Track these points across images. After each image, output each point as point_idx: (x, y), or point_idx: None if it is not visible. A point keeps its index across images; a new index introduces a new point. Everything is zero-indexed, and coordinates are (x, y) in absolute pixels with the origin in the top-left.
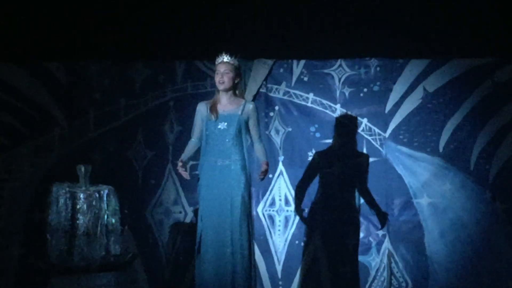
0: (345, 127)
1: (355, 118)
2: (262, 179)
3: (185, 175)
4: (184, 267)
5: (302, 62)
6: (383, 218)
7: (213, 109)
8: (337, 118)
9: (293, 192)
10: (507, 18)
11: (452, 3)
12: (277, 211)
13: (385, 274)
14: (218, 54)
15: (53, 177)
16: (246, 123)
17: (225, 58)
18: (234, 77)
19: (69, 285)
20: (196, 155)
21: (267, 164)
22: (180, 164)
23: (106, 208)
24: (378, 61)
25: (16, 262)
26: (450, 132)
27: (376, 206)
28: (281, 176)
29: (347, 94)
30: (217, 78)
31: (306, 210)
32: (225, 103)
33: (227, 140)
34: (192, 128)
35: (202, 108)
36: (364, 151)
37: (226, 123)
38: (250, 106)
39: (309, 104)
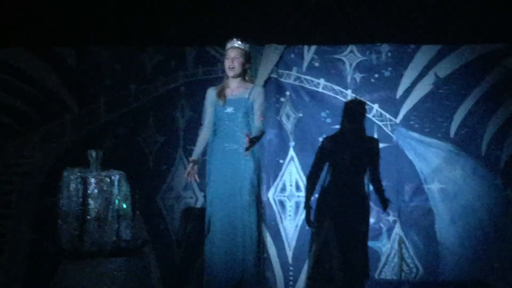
0: (356, 113)
1: (366, 104)
2: (247, 148)
3: (195, 177)
4: (194, 252)
5: (313, 47)
6: (385, 202)
7: (221, 93)
8: (348, 104)
9: (304, 178)
10: None
11: None
12: (287, 197)
13: (395, 260)
14: (228, 39)
15: (64, 163)
16: (253, 106)
17: (236, 43)
18: (244, 62)
19: (80, 270)
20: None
21: (249, 138)
22: (191, 165)
23: (117, 193)
24: (389, 47)
25: (27, 247)
26: (461, 118)
27: (381, 191)
28: (292, 161)
29: (358, 79)
30: (227, 63)
31: (316, 196)
32: (234, 87)
33: (234, 124)
34: (202, 114)
35: (211, 93)
36: (375, 136)
37: (233, 107)
38: (257, 89)
39: (320, 90)
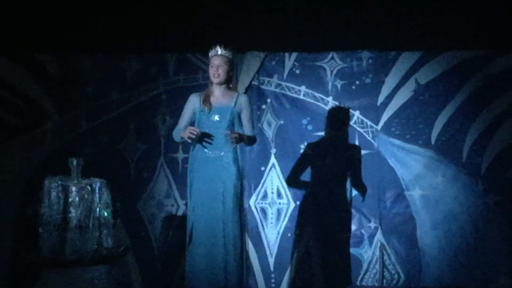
0: (337, 120)
1: (347, 111)
2: (233, 141)
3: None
4: (176, 259)
5: (294, 54)
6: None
7: (206, 100)
8: (329, 111)
9: (285, 185)
10: (499, 11)
11: None
12: (269, 204)
13: (377, 266)
14: (212, 46)
15: (45, 170)
16: (239, 115)
17: (220, 51)
18: (228, 70)
19: (61, 278)
20: (186, 148)
21: (237, 135)
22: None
23: (98, 201)
24: (370, 54)
25: (8, 256)
26: (442, 125)
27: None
28: (273, 168)
29: (339, 86)
30: (211, 71)
31: (297, 203)
32: (219, 95)
33: (220, 132)
34: (180, 117)
35: (194, 99)
36: (356, 143)
37: (219, 116)
38: (243, 98)
39: (301, 97)
